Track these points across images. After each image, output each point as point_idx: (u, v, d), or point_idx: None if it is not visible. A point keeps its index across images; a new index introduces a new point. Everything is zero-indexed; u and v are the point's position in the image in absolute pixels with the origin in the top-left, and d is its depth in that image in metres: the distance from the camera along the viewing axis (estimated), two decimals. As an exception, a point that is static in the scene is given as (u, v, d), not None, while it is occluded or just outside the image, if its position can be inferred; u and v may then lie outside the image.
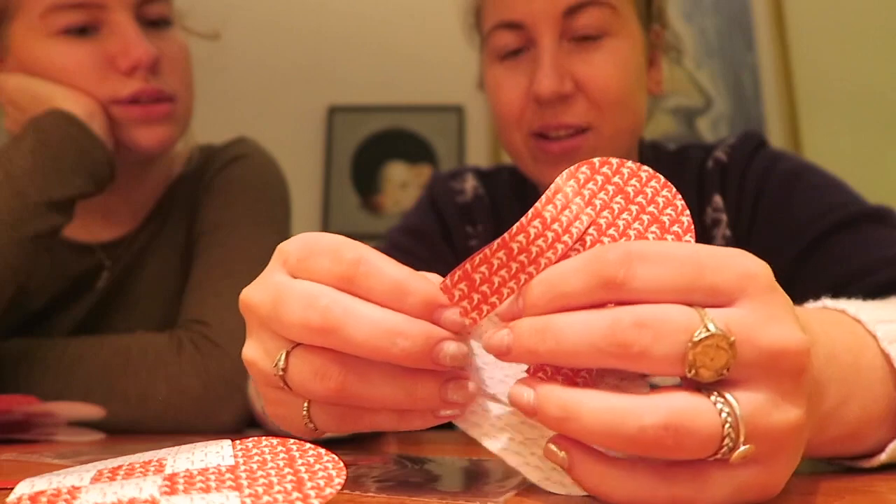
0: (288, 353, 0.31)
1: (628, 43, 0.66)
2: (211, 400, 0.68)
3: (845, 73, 1.79)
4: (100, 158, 0.69)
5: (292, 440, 0.28)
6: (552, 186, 0.30)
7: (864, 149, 1.73)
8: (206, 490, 0.24)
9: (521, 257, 0.29)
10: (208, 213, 0.81)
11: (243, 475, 0.25)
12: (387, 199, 1.87)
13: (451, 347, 0.29)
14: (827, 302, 0.39)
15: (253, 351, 0.33)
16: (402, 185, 1.88)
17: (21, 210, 0.65)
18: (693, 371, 0.25)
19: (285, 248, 0.33)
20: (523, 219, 0.29)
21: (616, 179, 0.30)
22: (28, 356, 0.69)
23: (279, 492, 0.23)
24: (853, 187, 0.66)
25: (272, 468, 0.25)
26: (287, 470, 0.25)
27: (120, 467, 0.26)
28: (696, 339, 0.24)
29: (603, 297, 0.26)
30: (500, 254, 0.29)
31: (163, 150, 0.77)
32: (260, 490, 0.23)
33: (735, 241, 0.68)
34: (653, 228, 0.30)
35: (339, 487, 0.24)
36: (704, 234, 0.70)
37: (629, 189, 0.30)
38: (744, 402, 0.25)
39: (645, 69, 0.70)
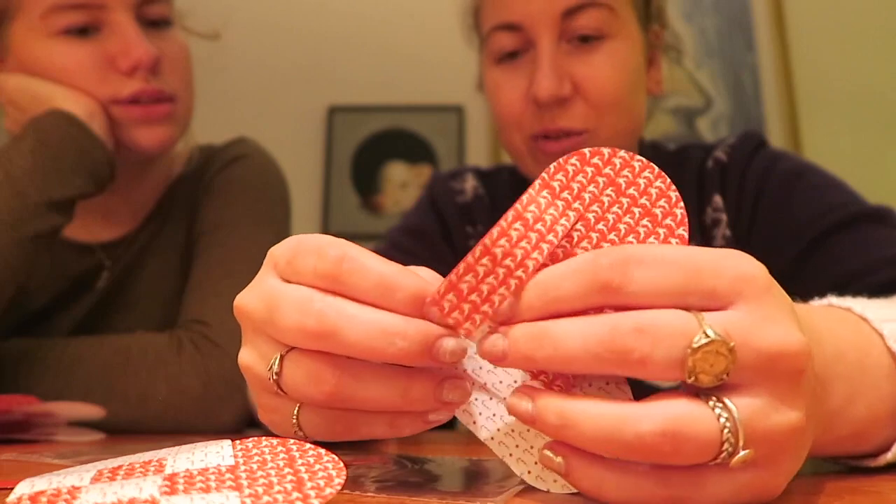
0: (282, 357, 0.31)
1: (627, 44, 0.66)
2: (211, 400, 0.68)
3: (845, 73, 1.79)
4: (100, 158, 0.69)
5: (292, 440, 0.28)
6: (537, 182, 0.29)
7: (864, 149, 1.74)
8: (206, 490, 0.24)
9: (507, 261, 0.28)
10: (208, 213, 0.81)
11: (243, 475, 0.25)
12: (387, 199, 1.87)
13: (451, 344, 0.28)
14: (833, 300, 0.39)
15: (248, 356, 0.33)
16: (402, 185, 1.88)
17: (21, 210, 0.65)
18: (693, 377, 0.25)
19: (275, 252, 0.33)
20: (503, 221, 0.28)
21: (607, 171, 0.29)
22: (28, 356, 0.69)
23: (279, 492, 0.23)
24: (853, 187, 0.66)
25: (272, 468, 0.25)
26: (287, 470, 0.25)
27: (120, 467, 0.26)
28: (695, 345, 0.24)
29: (598, 302, 0.26)
30: (485, 260, 0.28)
31: (163, 151, 0.77)
32: (260, 490, 0.23)
33: (735, 241, 0.68)
34: (644, 222, 0.29)
35: (339, 487, 0.24)
36: (704, 234, 0.70)
37: (620, 180, 0.29)
38: (742, 406, 0.25)
39: (644, 70, 0.70)
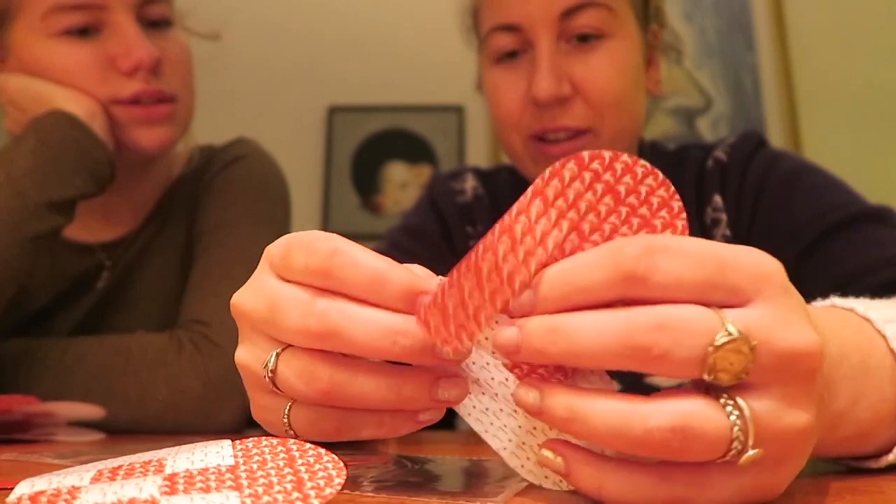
0: (278, 355, 0.31)
1: (626, 44, 0.66)
2: (211, 400, 0.68)
3: (845, 73, 1.79)
4: (100, 159, 0.69)
5: (292, 440, 0.28)
6: (529, 191, 0.27)
7: (864, 149, 1.74)
8: (206, 490, 0.24)
9: (494, 277, 0.27)
10: (208, 213, 0.81)
11: (243, 475, 0.25)
12: (387, 199, 1.87)
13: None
14: (836, 300, 0.39)
15: (245, 354, 0.33)
16: (402, 185, 1.88)
17: (22, 211, 0.65)
18: (713, 375, 0.24)
19: (271, 250, 0.33)
20: (491, 235, 0.27)
21: (607, 177, 0.27)
22: (28, 356, 0.69)
23: (279, 492, 0.23)
24: (853, 187, 0.66)
25: (272, 468, 0.25)
26: (287, 470, 0.25)
27: (120, 467, 0.26)
28: (717, 342, 0.24)
29: (621, 292, 0.25)
30: (471, 276, 0.27)
31: (163, 151, 0.77)
32: (260, 490, 0.23)
33: (734, 241, 0.67)
34: (642, 234, 0.28)
35: (339, 487, 0.24)
36: (704, 234, 0.70)
37: (620, 188, 0.27)
38: (755, 405, 0.25)
39: (643, 70, 0.70)
